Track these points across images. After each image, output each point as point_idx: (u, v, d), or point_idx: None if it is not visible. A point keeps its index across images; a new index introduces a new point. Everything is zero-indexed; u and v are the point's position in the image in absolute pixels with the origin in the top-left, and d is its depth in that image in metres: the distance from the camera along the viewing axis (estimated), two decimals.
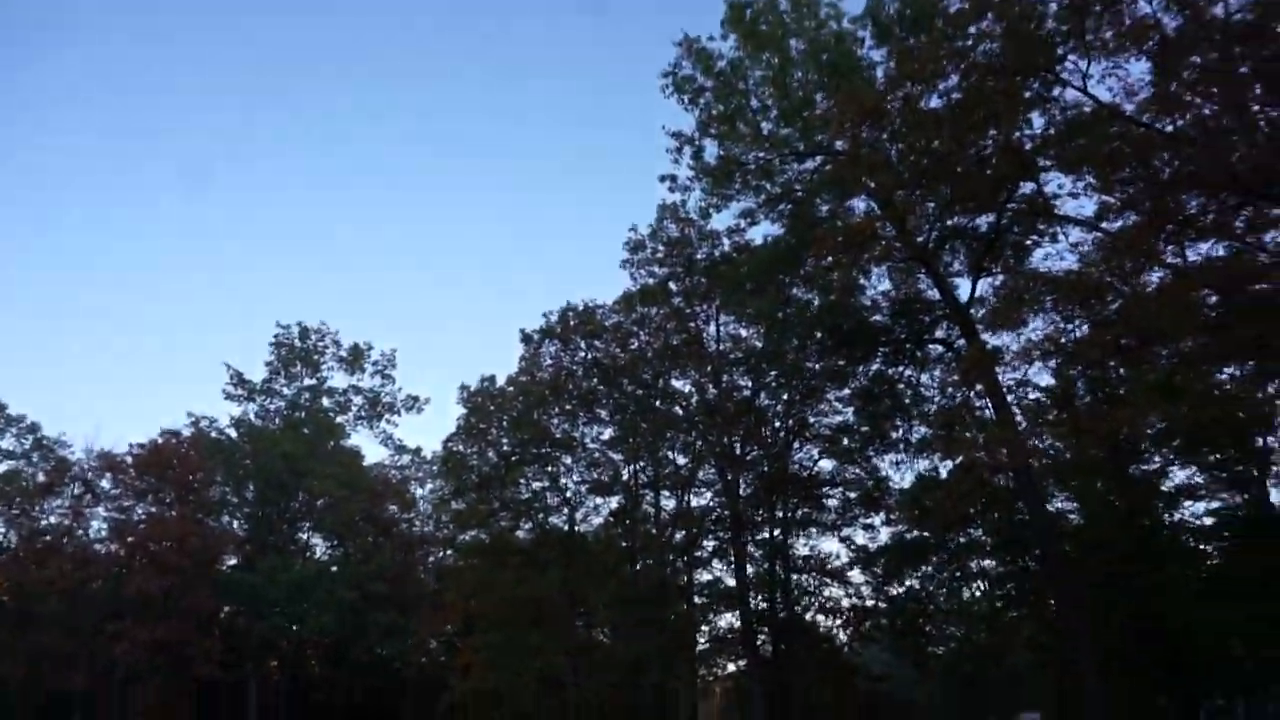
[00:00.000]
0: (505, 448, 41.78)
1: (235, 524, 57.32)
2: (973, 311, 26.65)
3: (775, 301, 31.41)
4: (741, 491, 37.35)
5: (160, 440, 52.38)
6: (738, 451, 36.20)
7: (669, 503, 44.95)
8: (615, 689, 42.20)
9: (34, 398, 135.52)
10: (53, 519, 51.44)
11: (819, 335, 32.00)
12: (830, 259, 25.75)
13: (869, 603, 39.38)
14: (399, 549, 61.36)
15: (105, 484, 52.09)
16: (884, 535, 38.83)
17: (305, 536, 58.16)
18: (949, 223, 26.66)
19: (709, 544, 43.32)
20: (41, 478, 51.86)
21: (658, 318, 36.61)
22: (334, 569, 55.12)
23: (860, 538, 39.13)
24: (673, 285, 35.45)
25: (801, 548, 40.07)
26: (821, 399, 36.33)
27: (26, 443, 54.39)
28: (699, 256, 34.34)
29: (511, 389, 40.14)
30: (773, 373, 36.45)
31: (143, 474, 51.54)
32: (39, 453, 53.92)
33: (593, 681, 42.04)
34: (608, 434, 41.53)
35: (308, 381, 54.44)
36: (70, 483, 51.60)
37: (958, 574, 39.65)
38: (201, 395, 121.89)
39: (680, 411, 37.53)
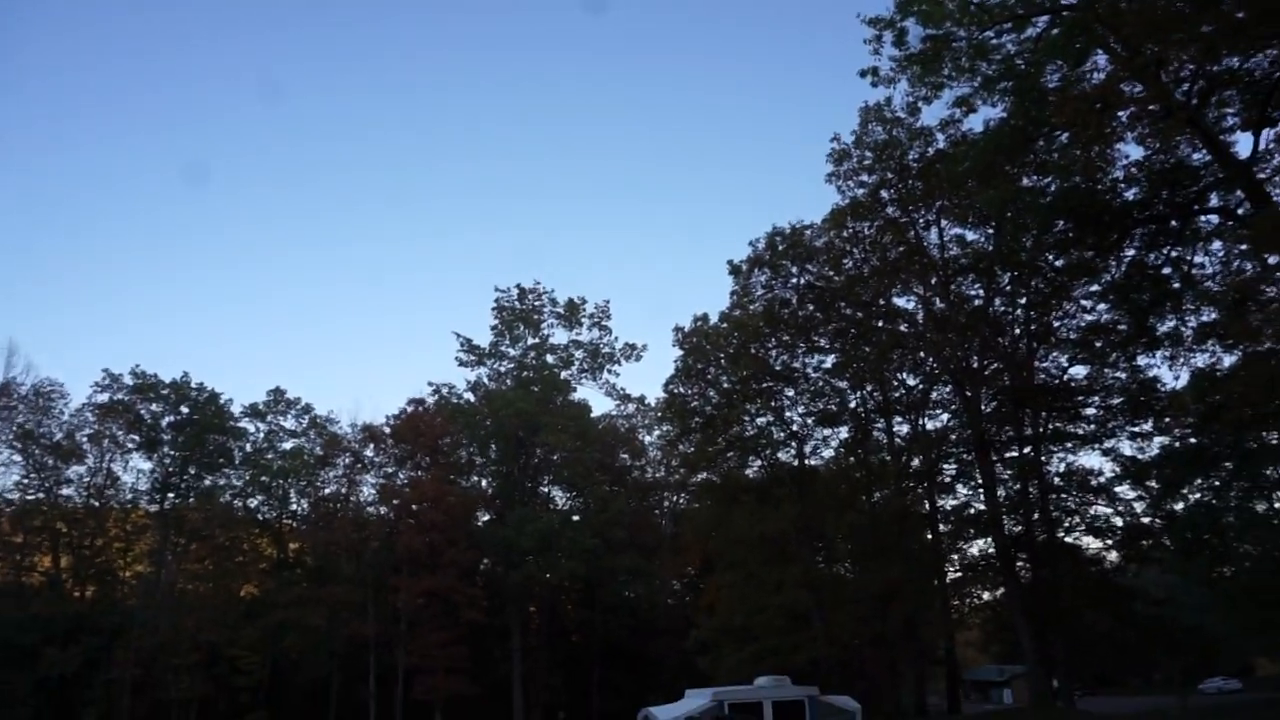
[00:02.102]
0: (725, 385, 41.30)
1: (483, 482, 61.37)
2: (1257, 170, 22.47)
3: (1004, 194, 28.18)
4: (983, 408, 34.52)
5: (409, 409, 56.91)
6: (974, 365, 33.36)
7: (902, 428, 42.79)
8: (863, 621, 41.05)
9: (303, 381, 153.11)
10: (330, 488, 57.63)
11: (1059, 225, 28.43)
12: (1069, 132, 22.53)
13: (1144, 520, 35.38)
14: (634, 495, 63.20)
15: (369, 453, 57.49)
16: (1156, 444, 34.57)
17: (546, 489, 61.18)
18: (1216, 68, 22.49)
19: (950, 468, 40.80)
20: (319, 451, 58.14)
21: (871, 231, 34.28)
22: (575, 518, 57.57)
23: (1127, 448, 35.11)
24: (884, 194, 32.93)
25: (1057, 464, 36.60)
26: (1067, 298, 32.62)
27: (304, 422, 61.14)
28: (911, 158, 31.60)
29: (725, 325, 39.41)
30: (1007, 275, 33.16)
31: (399, 442, 56.30)
32: (314, 430, 60.45)
33: (839, 615, 41.10)
34: (829, 362, 39.94)
35: (531, 341, 56.69)
36: (342, 454, 57.39)
37: (1251, 483, 34.62)
38: (439, 364, 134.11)
39: (906, 329, 35.11)
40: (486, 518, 59.16)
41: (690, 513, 57.40)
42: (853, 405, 42.42)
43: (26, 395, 51.64)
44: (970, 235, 34.13)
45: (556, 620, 60.69)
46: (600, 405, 78.53)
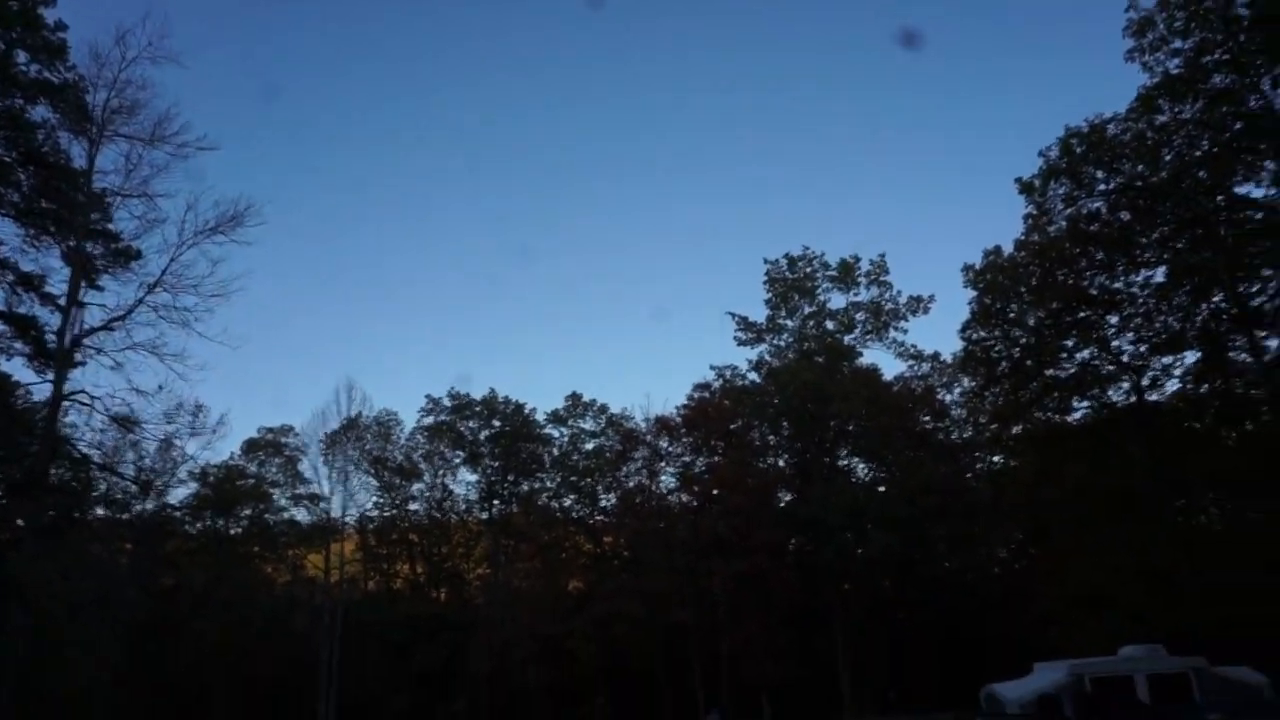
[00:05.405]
0: (1032, 322, 36.59)
1: (780, 461, 60.23)
2: None
3: None
4: None
5: (696, 396, 57.26)
6: None
7: (1271, 341, 35.23)
8: (1249, 576, 34.20)
9: (594, 381, 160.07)
10: (633, 481, 59.57)
11: None
12: None
13: None
14: (942, 460, 58.73)
15: (665, 444, 58.61)
16: None
17: (846, 461, 58.71)
18: None
19: None
20: (618, 448, 60.41)
21: (1195, 110, 28.38)
22: (881, 489, 54.64)
23: None
24: (1207, 60, 27.08)
25: None
26: None
27: (601, 422, 64.00)
28: (1239, 5, 25.64)
29: (1023, 254, 34.87)
30: None
31: (691, 430, 56.81)
32: (611, 428, 63.02)
33: (1213, 571, 34.62)
34: (1160, 275, 33.88)
35: (808, 310, 54.76)
36: (639, 448, 59.10)
37: None
38: (718, 347, 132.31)
39: (1262, 218, 28.69)
40: (789, 497, 57.94)
41: (1009, 471, 52.11)
42: (1200, 321, 35.67)
43: (370, 425, 58.81)
44: None
45: (877, 597, 57.91)
46: (891, 367, 74.52)
